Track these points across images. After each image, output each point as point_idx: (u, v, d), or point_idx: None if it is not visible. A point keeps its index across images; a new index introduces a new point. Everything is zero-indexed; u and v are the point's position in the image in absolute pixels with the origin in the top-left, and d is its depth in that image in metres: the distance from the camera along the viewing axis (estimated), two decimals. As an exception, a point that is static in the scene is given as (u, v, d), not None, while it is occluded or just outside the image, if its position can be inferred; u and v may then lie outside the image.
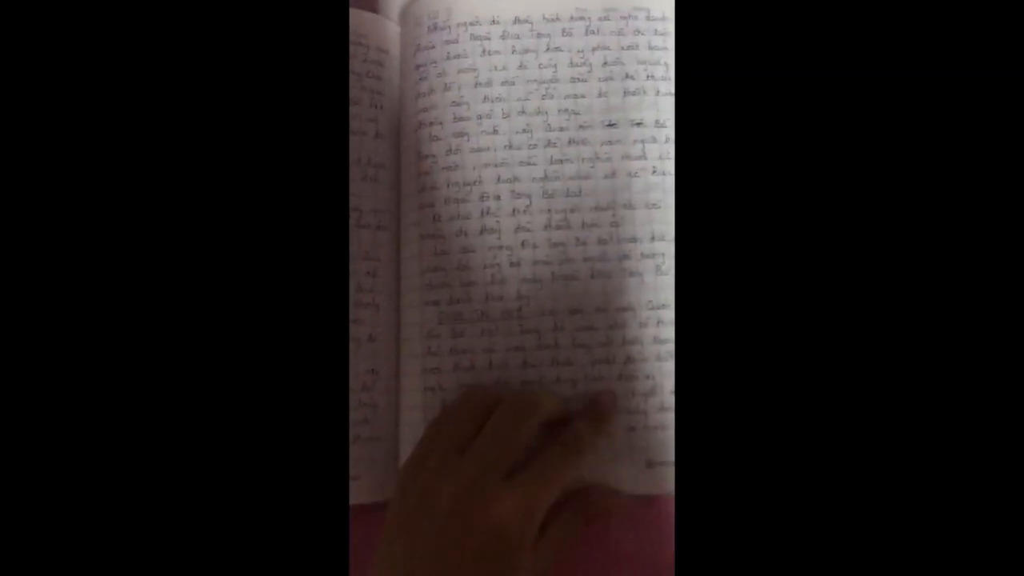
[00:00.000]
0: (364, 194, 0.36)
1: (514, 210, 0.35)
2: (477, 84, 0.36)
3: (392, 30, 0.39)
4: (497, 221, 0.35)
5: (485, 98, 0.36)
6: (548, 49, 0.37)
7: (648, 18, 0.37)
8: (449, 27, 0.37)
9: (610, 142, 0.36)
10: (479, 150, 0.36)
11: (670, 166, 0.35)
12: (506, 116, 0.36)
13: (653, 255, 0.34)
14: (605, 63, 0.36)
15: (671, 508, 0.33)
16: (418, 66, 0.38)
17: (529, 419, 0.30)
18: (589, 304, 0.34)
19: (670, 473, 0.33)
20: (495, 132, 0.36)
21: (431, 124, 0.36)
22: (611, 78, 0.36)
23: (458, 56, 0.37)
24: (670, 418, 0.33)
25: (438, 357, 0.34)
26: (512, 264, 0.35)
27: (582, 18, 0.37)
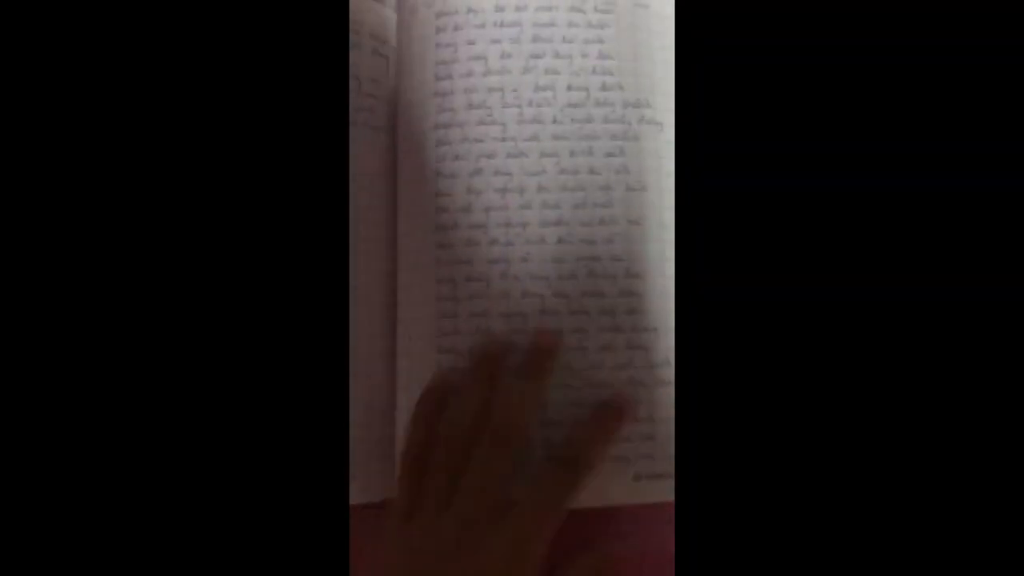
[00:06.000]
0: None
1: (505, 205, 0.34)
2: (471, 74, 0.35)
3: (388, 17, 0.39)
4: (487, 214, 0.34)
5: (475, 88, 0.35)
6: (542, 39, 0.35)
7: (647, 15, 0.36)
8: (444, 15, 0.36)
9: (612, 136, 0.35)
10: (473, 140, 0.35)
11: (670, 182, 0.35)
12: (504, 106, 0.35)
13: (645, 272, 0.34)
14: (602, 55, 0.35)
15: (671, 508, 0.32)
16: (411, 55, 0.37)
17: (513, 450, 0.30)
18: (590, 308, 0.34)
19: (658, 485, 0.32)
20: (489, 123, 0.35)
21: (424, 117, 0.36)
22: (610, 72, 0.35)
23: (450, 45, 0.36)
24: (659, 429, 0.33)
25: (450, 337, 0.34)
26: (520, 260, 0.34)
27: (580, 10, 0.36)
